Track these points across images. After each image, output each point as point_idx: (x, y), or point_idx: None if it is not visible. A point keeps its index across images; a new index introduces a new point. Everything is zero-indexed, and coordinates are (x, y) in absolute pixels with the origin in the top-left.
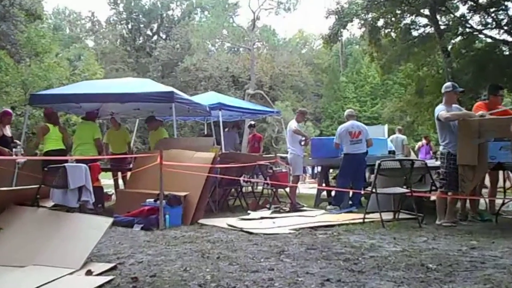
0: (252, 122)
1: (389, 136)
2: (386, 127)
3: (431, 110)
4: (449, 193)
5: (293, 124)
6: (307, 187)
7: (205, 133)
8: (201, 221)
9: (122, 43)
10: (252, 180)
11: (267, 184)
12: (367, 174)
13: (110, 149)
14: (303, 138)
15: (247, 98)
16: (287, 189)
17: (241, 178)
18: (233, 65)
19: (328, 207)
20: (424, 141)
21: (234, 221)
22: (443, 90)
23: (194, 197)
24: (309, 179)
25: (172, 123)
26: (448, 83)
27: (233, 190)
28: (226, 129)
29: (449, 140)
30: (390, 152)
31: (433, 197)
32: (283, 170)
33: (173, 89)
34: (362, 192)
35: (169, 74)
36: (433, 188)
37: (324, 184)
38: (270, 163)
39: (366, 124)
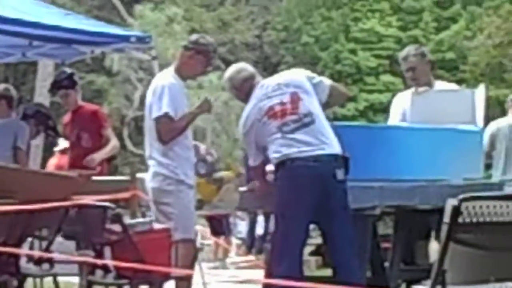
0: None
1: (488, 122)
2: (481, 93)
3: None
4: None
5: (165, 82)
6: (232, 278)
7: None
8: None
9: None
10: (55, 256)
11: (105, 270)
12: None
13: None
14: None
15: None
16: (173, 285)
17: (23, 251)
18: None
19: None
20: None
21: None
22: None
23: None
24: (240, 253)
25: None
26: None
27: None
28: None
29: None
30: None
31: None
32: (157, 227)
33: None
34: None
35: None
36: None
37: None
38: (115, 203)
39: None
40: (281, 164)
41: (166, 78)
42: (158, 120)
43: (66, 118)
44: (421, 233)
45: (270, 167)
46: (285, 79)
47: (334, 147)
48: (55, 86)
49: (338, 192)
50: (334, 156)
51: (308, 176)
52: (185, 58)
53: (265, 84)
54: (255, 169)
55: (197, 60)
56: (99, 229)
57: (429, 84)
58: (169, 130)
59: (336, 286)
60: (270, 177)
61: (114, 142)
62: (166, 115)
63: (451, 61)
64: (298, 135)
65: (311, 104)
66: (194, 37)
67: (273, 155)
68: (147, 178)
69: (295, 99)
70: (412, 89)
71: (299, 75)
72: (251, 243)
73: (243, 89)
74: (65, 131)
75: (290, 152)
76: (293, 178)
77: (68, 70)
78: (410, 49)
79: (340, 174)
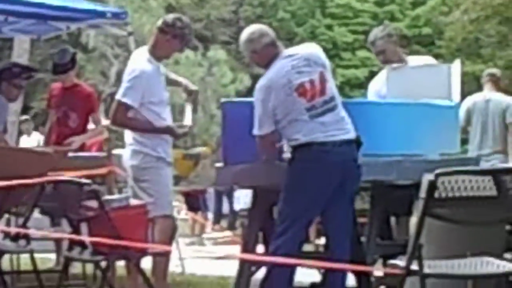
0: None
1: (463, 98)
2: (457, 68)
3: None
4: None
5: (138, 68)
6: (208, 254)
7: None
8: None
9: None
10: (32, 233)
11: (82, 246)
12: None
13: None
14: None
15: None
16: (150, 261)
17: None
18: None
19: None
20: None
21: None
22: None
23: None
24: (216, 230)
25: None
26: None
27: None
28: None
29: None
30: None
31: None
32: (133, 202)
33: None
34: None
35: None
36: None
37: (263, 246)
38: (92, 180)
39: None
40: (306, 146)
41: (140, 63)
42: (115, 102)
43: (55, 89)
44: (398, 208)
45: (285, 145)
46: (313, 55)
47: (353, 131)
48: (60, 71)
49: (356, 176)
50: (354, 141)
51: (335, 161)
52: (162, 41)
53: (293, 56)
54: (264, 138)
55: (173, 43)
56: (76, 205)
57: (402, 62)
58: (120, 119)
59: (317, 261)
60: (286, 155)
61: (100, 128)
62: (122, 103)
63: (427, 37)
64: (325, 119)
65: (333, 86)
66: (170, 19)
67: (297, 135)
68: (125, 155)
69: (322, 81)
70: (387, 67)
71: (321, 53)
72: (217, 218)
73: (265, 55)
74: (50, 101)
75: (318, 135)
76: (319, 161)
77: (70, 50)
78: (376, 33)
79: (359, 158)
